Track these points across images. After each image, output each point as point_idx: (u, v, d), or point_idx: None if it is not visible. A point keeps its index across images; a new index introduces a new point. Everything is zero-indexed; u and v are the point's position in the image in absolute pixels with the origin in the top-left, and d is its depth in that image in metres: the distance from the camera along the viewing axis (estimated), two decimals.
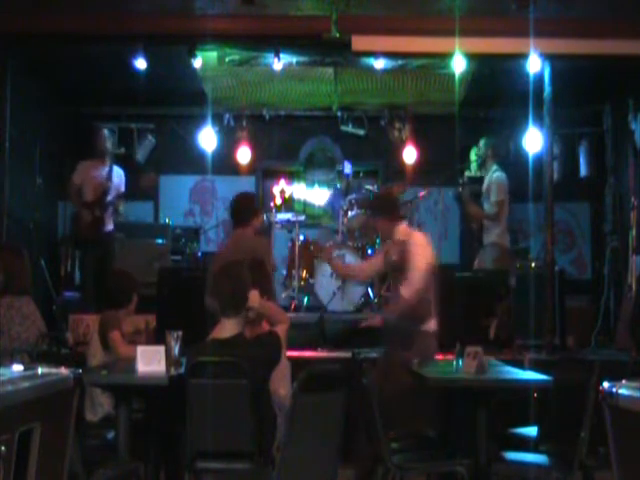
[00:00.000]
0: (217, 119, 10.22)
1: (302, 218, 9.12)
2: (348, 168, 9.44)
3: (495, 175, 8.46)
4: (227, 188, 10.78)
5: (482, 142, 8.80)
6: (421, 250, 5.36)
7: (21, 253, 5.20)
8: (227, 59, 8.62)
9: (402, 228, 5.53)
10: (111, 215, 8.23)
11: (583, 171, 10.10)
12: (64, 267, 9.44)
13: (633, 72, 8.34)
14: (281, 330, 4.59)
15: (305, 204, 10.94)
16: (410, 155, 10.27)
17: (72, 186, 8.17)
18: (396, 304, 5.47)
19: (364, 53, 7.98)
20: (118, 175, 8.29)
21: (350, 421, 5.05)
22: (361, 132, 10.56)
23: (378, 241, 9.12)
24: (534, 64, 7.64)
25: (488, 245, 8.41)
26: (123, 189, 8.30)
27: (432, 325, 5.33)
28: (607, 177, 9.96)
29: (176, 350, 4.26)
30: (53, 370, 2.48)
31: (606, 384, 2.33)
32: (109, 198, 8.06)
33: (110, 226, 8.24)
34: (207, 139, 10.04)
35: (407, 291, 5.25)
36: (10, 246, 6.31)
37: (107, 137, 8.37)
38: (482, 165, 8.82)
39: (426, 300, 5.30)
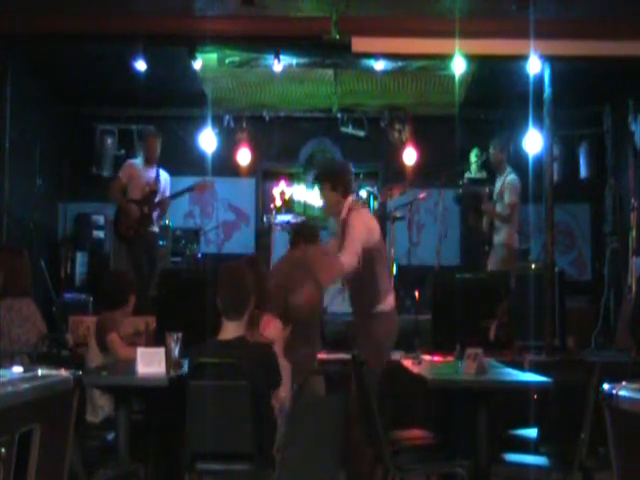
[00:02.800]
0: (217, 120, 10.23)
1: (302, 219, 9.10)
2: None
3: (510, 177, 8.45)
4: (227, 189, 10.80)
5: (494, 145, 8.73)
6: (359, 222, 5.22)
7: (22, 254, 5.19)
8: (227, 60, 8.62)
9: (347, 204, 5.36)
10: (157, 218, 8.24)
11: (583, 172, 10.10)
12: (64, 268, 9.45)
13: (633, 73, 8.35)
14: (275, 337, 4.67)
15: (305, 205, 10.93)
16: (410, 156, 10.28)
17: (117, 182, 8.19)
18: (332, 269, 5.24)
19: (364, 54, 7.99)
20: (164, 178, 8.30)
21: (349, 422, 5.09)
22: (361, 133, 10.56)
23: None
24: (534, 65, 7.65)
25: (497, 245, 8.42)
26: (168, 193, 8.31)
27: (387, 305, 5.28)
28: (607, 178, 9.96)
29: (176, 351, 4.26)
30: (53, 371, 2.47)
31: (606, 385, 2.33)
32: (156, 200, 8.09)
33: (156, 228, 8.26)
34: (207, 140, 10.05)
35: (343, 257, 5.13)
36: (11, 247, 6.32)
37: (159, 143, 8.34)
38: (497, 168, 8.74)
39: (371, 280, 5.20)
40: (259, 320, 4.95)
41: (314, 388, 4.75)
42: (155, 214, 8.18)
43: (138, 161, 8.38)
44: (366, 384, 4.36)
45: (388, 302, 5.31)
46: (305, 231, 5.97)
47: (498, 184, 8.62)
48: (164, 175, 8.32)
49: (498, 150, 8.61)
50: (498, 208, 8.44)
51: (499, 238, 8.40)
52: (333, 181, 5.41)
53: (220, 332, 4.16)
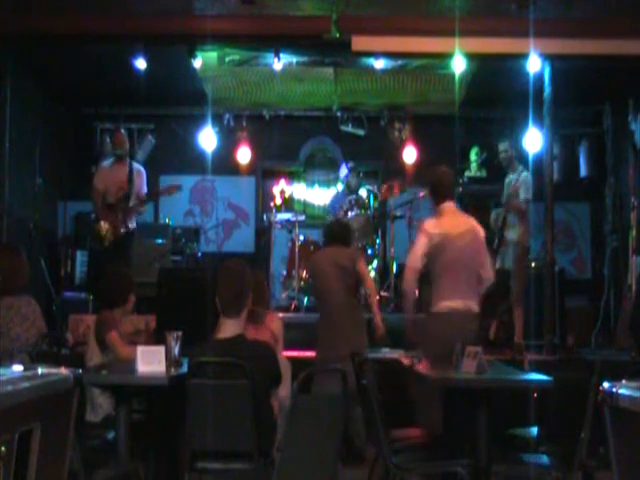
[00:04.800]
0: (217, 119, 10.24)
1: (302, 218, 9.11)
2: (344, 172, 9.47)
3: (524, 174, 8.32)
4: (227, 188, 10.81)
5: (505, 144, 8.60)
6: (418, 234, 5.35)
7: (19, 251, 5.18)
8: (227, 59, 8.63)
9: (439, 211, 5.43)
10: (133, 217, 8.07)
11: (583, 171, 10.10)
12: (64, 267, 9.45)
13: (633, 72, 8.33)
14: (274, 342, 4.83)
15: (305, 204, 10.95)
16: (410, 155, 10.29)
17: (96, 191, 7.97)
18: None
19: (364, 53, 7.99)
20: (139, 174, 8.08)
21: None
22: (361, 132, 10.57)
23: (378, 241, 9.12)
24: (534, 64, 7.65)
25: (512, 243, 8.30)
26: (145, 190, 8.07)
27: (440, 307, 5.18)
28: (607, 177, 9.97)
29: (176, 350, 4.25)
30: (53, 370, 2.47)
31: (606, 384, 2.33)
32: (131, 203, 7.88)
33: (132, 224, 8.04)
34: (207, 139, 10.05)
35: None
36: (8, 245, 6.30)
37: (126, 138, 8.21)
38: (508, 166, 8.61)
39: (430, 281, 5.25)
40: (264, 317, 5.02)
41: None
42: (130, 218, 7.97)
43: (108, 162, 8.22)
44: (366, 383, 4.36)
45: (442, 305, 5.17)
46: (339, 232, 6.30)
47: (511, 181, 8.49)
48: (139, 170, 8.11)
49: (509, 147, 8.45)
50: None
51: (513, 235, 8.27)
52: (430, 189, 5.61)
53: (219, 330, 4.16)
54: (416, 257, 5.23)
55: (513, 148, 8.45)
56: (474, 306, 5.21)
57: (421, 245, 5.23)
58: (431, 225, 5.30)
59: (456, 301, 5.16)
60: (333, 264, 6.06)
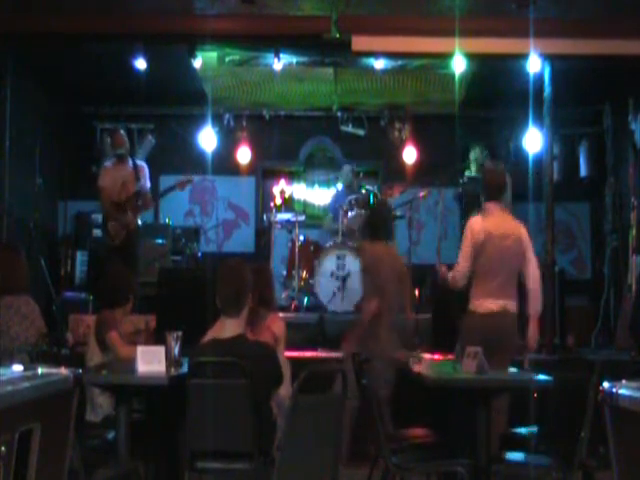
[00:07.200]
0: (217, 119, 10.24)
1: (302, 218, 9.10)
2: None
3: None
4: (227, 188, 10.81)
5: (477, 151, 8.47)
6: (465, 232, 5.34)
7: (18, 251, 5.19)
8: (227, 59, 8.63)
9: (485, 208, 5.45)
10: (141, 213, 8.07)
11: (583, 171, 10.10)
12: (64, 267, 9.45)
13: (633, 72, 8.34)
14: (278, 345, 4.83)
15: (305, 204, 10.95)
16: (410, 155, 10.29)
17: (103, 191, 7.89)
18: None
19: (364, 53, 8.00)
20: (142, 169, 8.00)
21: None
22: (361, 132, 10.56)
23: None
24: (534, 64, 7.66)
25: None
26: (149, 184, 8.02)
27: (477, 306, 5.19)
28: (607, 177, 9.97)
29: (176, 350, 4.25)
30: (53, 370, 2.47)
31: (606, 384, 2.33)
32: (139, 202, 7.84)
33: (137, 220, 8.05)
34: (207, 139, 10.06)
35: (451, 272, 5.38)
36: (7, 245, 6.31)
37: (125, 137, 8.16)
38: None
39: (471, 278, 5.27)
40: (265, 319, 5.01)
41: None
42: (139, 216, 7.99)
43: (110, 162, 8.16)
44: (366, 383, 4.36)
45: (479, 304, 5.20)
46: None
47: None
48: (140, 165, 8.05)
49: (484, 154, 8.34)
50: None
51: None
52: (482, 186, 5.62)
53: (219, 330, 4.16)
54: (465, 261, 5.24)
55: (484, 154, 8.34)
56: (512, 307, 5.22)
57: (466, 247, 5.25)
58: (476, 223, 5.31)
59: (496, 302, 5.18)
60: (390, 266, 5.81)
